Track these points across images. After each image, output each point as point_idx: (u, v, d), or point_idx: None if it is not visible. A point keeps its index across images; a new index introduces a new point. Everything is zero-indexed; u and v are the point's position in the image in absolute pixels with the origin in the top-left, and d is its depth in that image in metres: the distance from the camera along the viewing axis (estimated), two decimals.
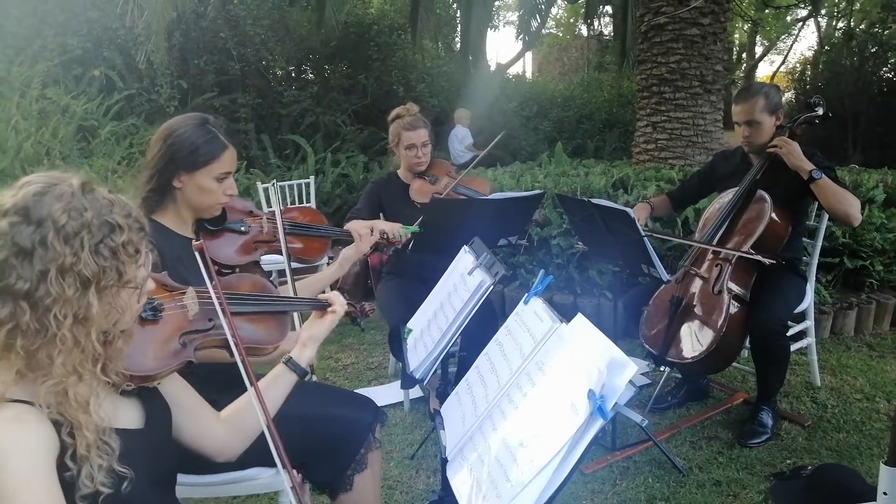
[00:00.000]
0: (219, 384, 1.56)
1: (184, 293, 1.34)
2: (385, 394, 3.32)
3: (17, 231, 1.00)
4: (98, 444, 1.04)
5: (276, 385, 1.45)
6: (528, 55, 20.90)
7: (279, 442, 1.18)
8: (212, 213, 1.89)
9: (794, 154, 2.69)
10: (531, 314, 1.30)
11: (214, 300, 1.27)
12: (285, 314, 1.55)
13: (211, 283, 1.28)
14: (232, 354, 1.26)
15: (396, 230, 2.50)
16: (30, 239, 1.00)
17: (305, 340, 1.52)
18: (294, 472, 1.20)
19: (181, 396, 1.32)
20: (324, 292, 1.86)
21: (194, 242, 1.36)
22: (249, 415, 1.38)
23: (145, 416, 1.20)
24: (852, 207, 2.64)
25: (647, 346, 2.78)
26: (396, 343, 2.79)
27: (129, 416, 1.18)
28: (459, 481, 1.16)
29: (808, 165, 2.66)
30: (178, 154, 1.75)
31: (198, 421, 1.34)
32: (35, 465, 0.96)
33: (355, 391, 2.12)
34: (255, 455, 1.69)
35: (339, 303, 1.59)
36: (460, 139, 9.22)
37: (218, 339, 1.33)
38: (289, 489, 1.17)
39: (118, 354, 1.12)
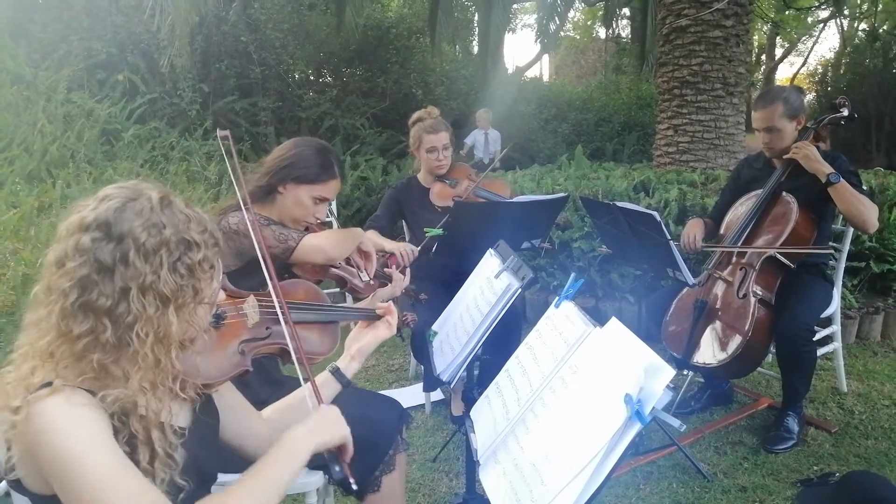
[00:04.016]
0: (261, 380, 1.58)
1: (244, 301, 1.34)
2: (406, 396, 3.32)
3: (98, 247, 1.01)
4: (163, 460, 1.04)
5: (321, 393, 1.43)
6: (546, 58, 20.88)
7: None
8: (296, 227, 2.05)
9: (812, 157, 2.67)
10: (563, 318, 1.30)
11: (278, 310, 1.26)
12: (336, 324, 1.55)
13: (276, 295, 1.27)
14: (286, 363, 1.26)
15: (408, 251, 2.62)
16: (111, 255, 1.01)
17: (354, 354, 1.51)
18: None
19: (228, 398, 1.33)
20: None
21: (220, 131, 1.43)
22: (293, 416, 1.38)
23: (193, 416, 1.21)
24: (869, 214, 2.61)
25: (669, 350, 2.76)
26: (419, 346, 2.81)
27: (177, 414, 1.18)
28: (492, 484, 1.16)
29: (827, 168, 2.63)
30: (296, 165, 1.99)
31: (242, 422, 1.35)
32: (93, 436, 0.96)
33: (379, 393, 2.14)
34: None
35: (395, 318, 1.58)
36: (471, 140, 9.07)
37: (274, 347, 1.33)
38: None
39: (195, 371, 1.13)
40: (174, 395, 1.10)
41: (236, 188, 1.46)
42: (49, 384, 0.98)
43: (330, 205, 2.17)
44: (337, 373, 1.47)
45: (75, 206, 1.06)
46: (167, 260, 1.03)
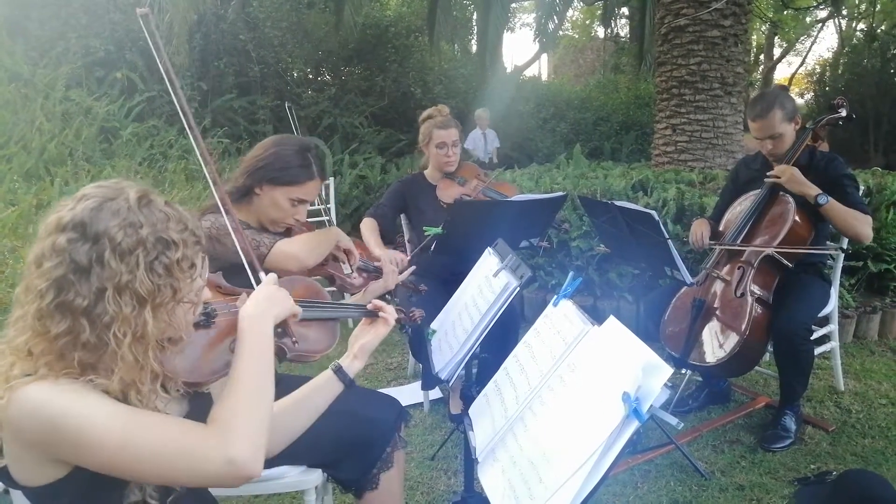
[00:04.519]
0: None
1: (237, 298, 1.34)
2: (404, 394, 3.33)
3: (74, 248, 1.01)
4: None
5: (322, 391, 1.42)
6: (544, 57, 20.88)
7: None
8: (275, 229, 2.01)
9: (797, 180, 2.66)
10: (561, 316, 1.31)
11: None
12: (335, 321, 1.54)
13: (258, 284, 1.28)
14: (281, 360, 1.26)
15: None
16: (87, 256, 1.01)
17: (356, 352, 1.49)
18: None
19: None
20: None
21: (139, 9, 1.39)
22: (292, 417, 1.38)
23: (188, 410, 1.22)
24: (862, 227, 2.63)
25: (667, 349, 2.77)
26: (418, 344, 2.82)
27: (172, 408, 1.19)
28: (491, 482, 1.17)
29: (813, 190, 2.63)
30: (272, 165, 1.92)
31: None
32: (86, 398, 0.98)
33: (378, 391, 2.14)
34: (282, 453, 1.71)
35: (390, 311, 1.56)
36: (473, 143, 9.07)
37: None
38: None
39: (174, 370, 1.13)
40: (157, 395, 1.09)
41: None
42: (31, 375, 0.99)
43: (328, 203, 2.15)
44: (339, 371, 1.45)
45: (56, 206, 1.06)
46: (144, 260, 1.03)
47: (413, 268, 2.39)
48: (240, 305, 1.31)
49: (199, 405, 1.25)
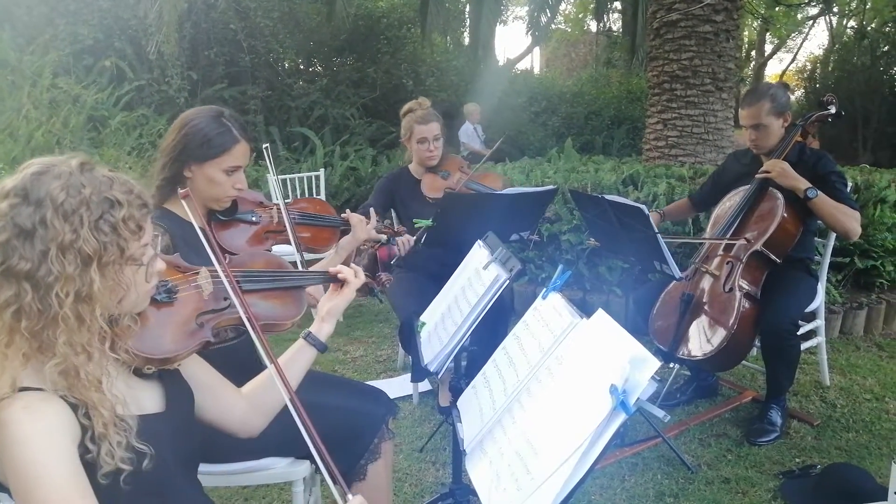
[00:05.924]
0: (236, 368, 1.57)
1: (197, 273, 1.35)
2: (394, 387, 3.33)
3: (16, 212, 1.01)
4: (115, 422, 1.05)
5: (296, 360, 1.45)
6: (537, 50, 20.87)
7: (306, 419, 1.16)
8: (220, 206, 1.90)
9: (787, 174, 2.68)
10: (550, 309, 1.31)
11: (223, 277, 1.27)
12: (301, 289, 1.54)
13: (218, 261, 1.28)
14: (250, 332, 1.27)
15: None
16: (30, 219, 1.01)
17: (324, 315, 1.51)
18: (323, 449, 1.16)
19: (201, 375, 1.33)
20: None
21: (180, 190, 1.38)
22: (270, 391, 1.39)
23: (166, 398, 1.22)
24: (850, 223, 2.65)
25: (656, 343, 2.78)
26: (408, 336, 2.82)
27: (150, 400, 1.19)
28: (478, 474, 1.17)
29: (803, 184, 2.65)
30: (190, 145, 1.77)
31: (219, 398, 1.36)
32: (51, 451, 0.97)
33: (366, 383, 2.14)
34: (271, 445, 1.71)
35: (351, 274, 1.56)
36: (468, 137, 9.07)
37: (234, 318, 1.34)
38: (322, 467, 1.16)
39: (127, 332, 1.13)
40: (107, 356, 1.10)
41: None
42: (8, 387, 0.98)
43: (318, 194, 2.13)
44: (309, 337, 1.47)
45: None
46: (88, 219, 1.03)
47: (373, 212, 2.36)
48: (200, 282, 1.32)
49: (174, 389, 1.25)
